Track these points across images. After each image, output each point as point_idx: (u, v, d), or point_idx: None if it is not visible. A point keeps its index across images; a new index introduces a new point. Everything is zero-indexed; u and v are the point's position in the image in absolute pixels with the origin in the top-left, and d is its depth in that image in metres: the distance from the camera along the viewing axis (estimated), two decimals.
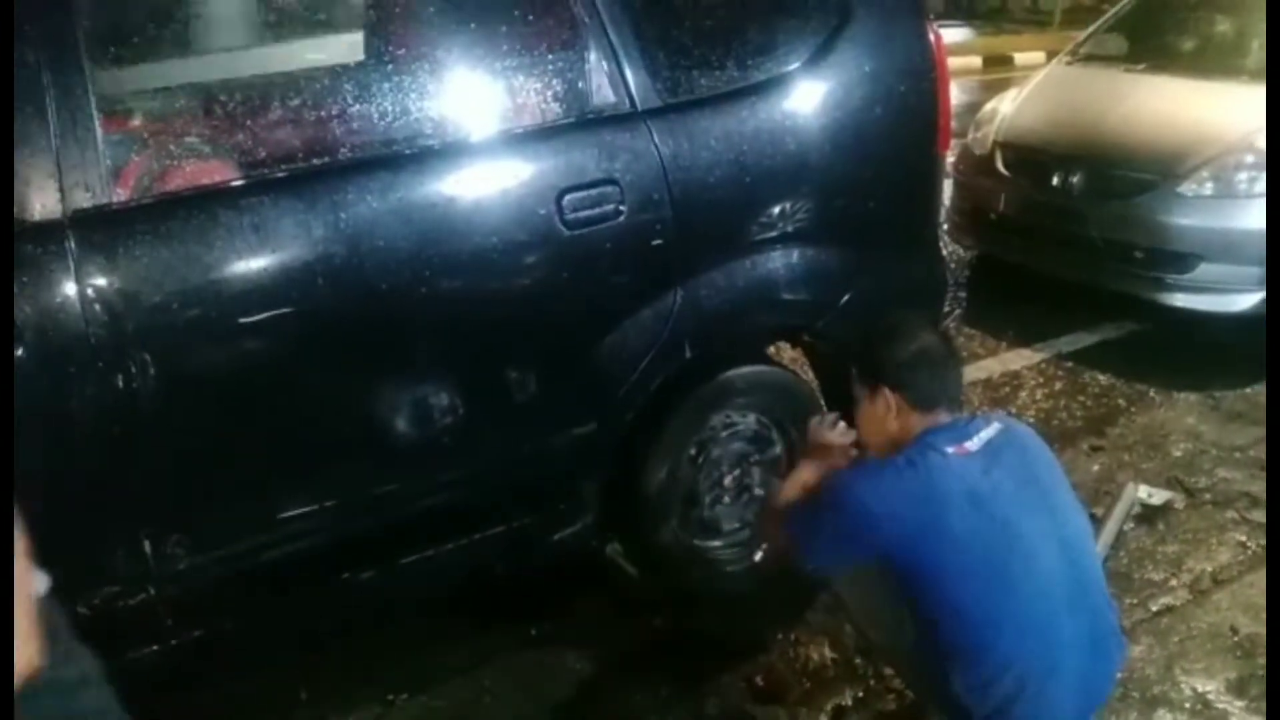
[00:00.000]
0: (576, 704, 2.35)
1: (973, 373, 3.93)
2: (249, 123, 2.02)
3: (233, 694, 2.28)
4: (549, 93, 2.18)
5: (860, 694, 2.32)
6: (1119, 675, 2.22)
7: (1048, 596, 1.79)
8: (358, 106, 2.05)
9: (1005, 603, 1.77)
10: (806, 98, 2.39)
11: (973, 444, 1.84)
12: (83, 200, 1.78)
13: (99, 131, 1.80)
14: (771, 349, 2.99)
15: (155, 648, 1.97)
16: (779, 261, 2.42)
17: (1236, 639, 2.45)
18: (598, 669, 2.44)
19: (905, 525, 1.77)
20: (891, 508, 1.78)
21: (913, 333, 1.95)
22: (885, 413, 1.92)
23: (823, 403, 2.71)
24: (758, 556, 2.61)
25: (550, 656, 2.48)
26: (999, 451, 1.85)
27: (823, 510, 1.91)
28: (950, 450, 1.82)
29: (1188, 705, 2.25)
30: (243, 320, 1.87)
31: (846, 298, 2.53)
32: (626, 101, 2.19)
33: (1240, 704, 2.25)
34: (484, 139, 2.13)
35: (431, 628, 2.53)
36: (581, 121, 2.18)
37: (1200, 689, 2.30)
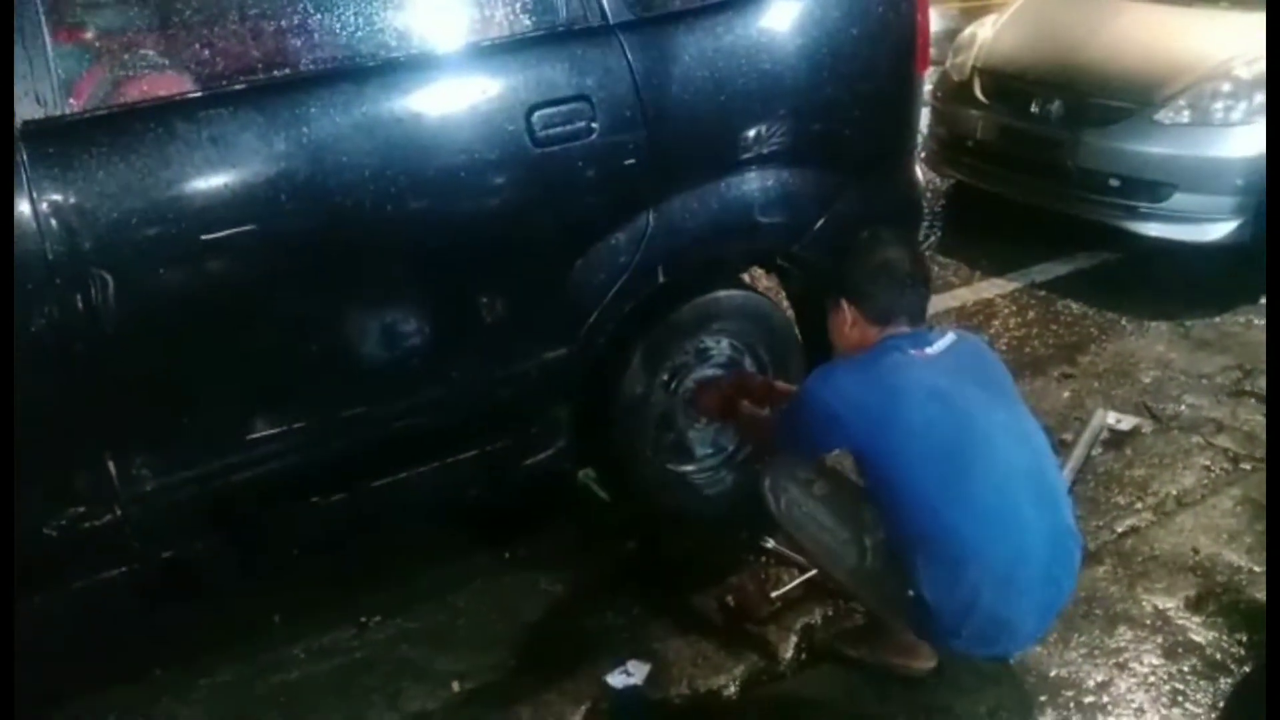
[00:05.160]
0: (549, 625, 2.37)
1: (946, 301, 3.95)
2: (206, 33, 1.94)
3: (204, 617, 2.28)
4: (517, 4, 2.11)
5: (829, 612, 2.35)
6: (1082, 593, 2.29)
7: (1009, 486, 1.89)
8: (320, 16, 1.98)
9: (966, 488, 1.85)
10: (783, 15, 2.34)
11: (932, 349, 1.94)
12: (33, 111, 1.72)
13: (48, 40, 1.73)
14: (746, 275, 2.97)
15: (124, 569, 1.96)
16: (753, 184, 2.39)
17: (1197, 559, 2.50)
18: (571, 591, 2.46)
19: (866, 417, 1.88)
20: (851, 403, 1.90)
21: (878, 248, 2.03)
22: (845, 324, 2.03)
23: (797, 328, 2.71)
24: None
25: (524, 579, 2.50)
26: (958, 356, 1.96)
27: (796, 415, 2.04)
28: (911, 351, 1.92)
29: (1148, 622, 2.31)
30: (204, 237, 1.82)
31: (821, 222, 2.51)
32: (598, 14, 2.14)
33: (1197, 620, 2.31)
34: (451, 51, 2.07)
35: (405, 552, 2.53)
36: (552, 34, 2.12)
37: (1160, 606, 2.35)
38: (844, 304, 2.02)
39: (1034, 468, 1.93)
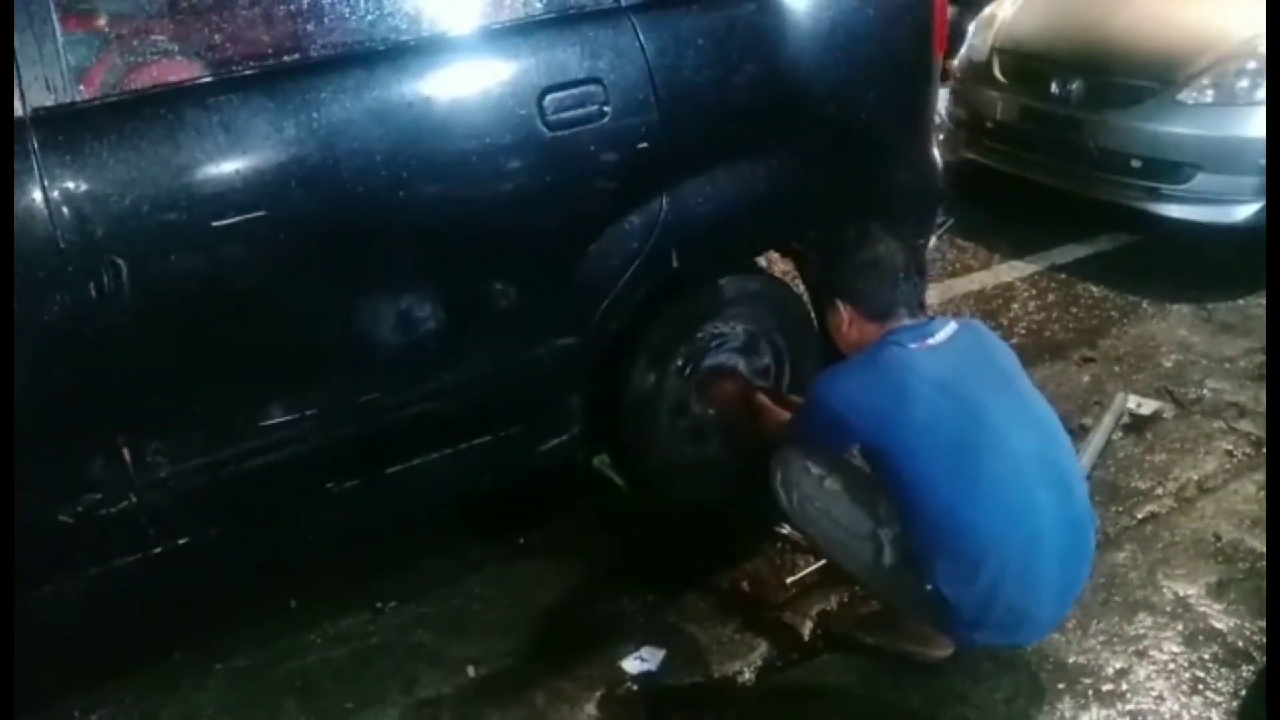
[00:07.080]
0: (564, 611, 2.37)
1: (965, 284, 3.92)
2: (216, 18, 1.93)
3: (220, 602, 2.29)
4: None
5: (844, 598, 2.34)
6: (1101, 579, 2.27)
7: (1021, 474, 1.87)
8: (330, 1, 1.96)
9: (978, 481, 1.84)
10: None
11: (934, 340, 1.92)
12: (44, 98, 1.71)
13: (58, 27, 1.72)
14: (762, 259, 2.95)
15: (139, 556, 1.96)
16: (768, 167, 2.36)
17: (1219, 545, 2.47)
18: (585, 577, 2.46)
19: (872, 418, 1.88)
20: (856, 406, 1.90)
21: (866, 244, 2.02)
22: (843, 325, 2.03)
23: (812, 313, 2.68)
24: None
25: (538, 565, 2.50)
26: (961, 344, 1.94)
27: (808, 419, 2.05)
28: (913, 346, 1.90)
29: (1168, 608, 2.28)
30: (216, 224, 1.81)
31: (837, 205, 2.48)
32: None
33: (1219, 607, 2.28)
34: (462, 35, 2.05)
35: (420, 537, 2.54)
36: (563, 16, 2.09)
37: (1181, 593, 2.32)
38: (839, 304, 2.02)
39: (1045, 453, 1.91)
